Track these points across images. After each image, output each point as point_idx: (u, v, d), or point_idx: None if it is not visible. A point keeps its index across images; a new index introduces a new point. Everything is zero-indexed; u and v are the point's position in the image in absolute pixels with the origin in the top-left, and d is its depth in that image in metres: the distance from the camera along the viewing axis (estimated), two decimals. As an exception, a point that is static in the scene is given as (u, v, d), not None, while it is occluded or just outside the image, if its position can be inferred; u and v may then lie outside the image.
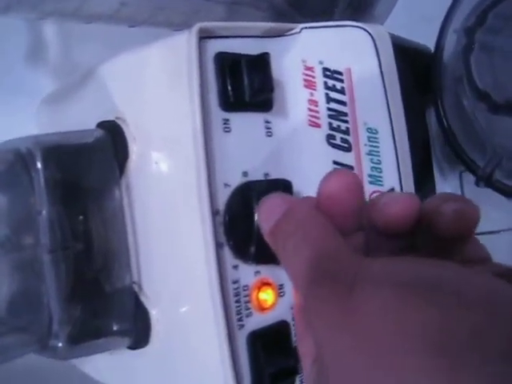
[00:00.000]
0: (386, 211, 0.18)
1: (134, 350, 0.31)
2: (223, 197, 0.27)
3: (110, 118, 0.30)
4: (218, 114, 0.27)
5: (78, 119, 0.33)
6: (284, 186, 0.29)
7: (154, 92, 0.29)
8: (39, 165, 0.27)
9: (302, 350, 0.21)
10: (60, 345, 0.28)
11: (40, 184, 0.27)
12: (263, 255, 0.27)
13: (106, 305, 0.29)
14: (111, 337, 0.30)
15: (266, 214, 0.20)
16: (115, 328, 0.30)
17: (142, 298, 0.30)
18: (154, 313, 0.30)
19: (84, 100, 0.33)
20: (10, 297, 0.29)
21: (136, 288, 0.30)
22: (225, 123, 0.28)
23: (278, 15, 0.39)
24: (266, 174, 0.29)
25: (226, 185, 0.27)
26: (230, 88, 0.28)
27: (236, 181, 0.28)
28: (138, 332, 0.30)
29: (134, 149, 0.30)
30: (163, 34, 0.29)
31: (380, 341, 0.15)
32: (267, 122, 0.29)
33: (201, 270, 0.27)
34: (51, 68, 0.45)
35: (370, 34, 0.30)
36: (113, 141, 0.29)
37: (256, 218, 0.27)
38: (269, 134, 0.29)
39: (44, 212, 0.27)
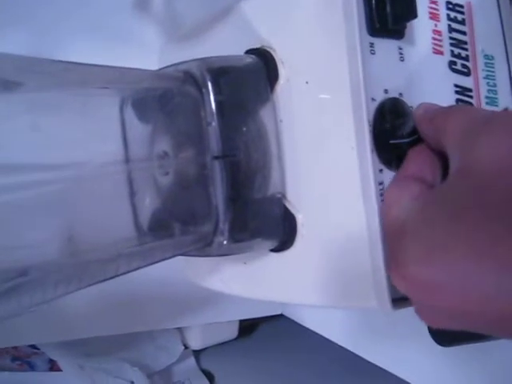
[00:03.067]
0: None
1: (277, 252, 0.34)
2: (371, 109, 0.30)
3: (257, 46, 0.34)
4: (365, 37, 0.31)
5: (220, 51, 0.35)
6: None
7: (303, 18, 0.32)
8: (210, 83, 0.30)
9: None
10: (225, 242, 0.31)
11: (210, 100, 0.30)
12: (400, 162, 0.31)
13: (259, 209, 0.32)
14: (263, 237, 0.33)
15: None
16: (267, 230, 0.33)
17: (288, 205, 0.33)
18: (299, 217, 0.33)
19: (225, 33, 0.36)
20: (184, 199, 0.32)
21: (281, 196, 0.33)
22: (371, 46, 0.31)
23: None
24: (400, 94, 0.32)
25: (373, 99, 0.31)
26: (375, 14, 0.31)
27: (380, 96, 0.31)
28: (285, 234, 0.33)
29: (282, 71, 0.33)
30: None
31: None
32: (400, 48, 0.32)
33: (351, 173, 0.30)
34: (155, 18, 0.48)
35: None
36: (264, 64, 0.33)
37: (402, 122, 0.31)
38: (401, 59, 0.32)
39: (213, 123, 0.30)
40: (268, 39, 0.33)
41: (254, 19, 0.34)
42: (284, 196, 0.33)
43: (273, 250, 0.34)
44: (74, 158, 0.31)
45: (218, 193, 0.31)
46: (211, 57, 0.31)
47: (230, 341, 0.60)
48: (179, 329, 0.57)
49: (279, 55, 0.33)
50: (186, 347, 0.58)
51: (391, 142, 0.31)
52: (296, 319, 0.57)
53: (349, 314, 0.52)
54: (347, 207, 0.31)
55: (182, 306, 0.53)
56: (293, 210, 0.33)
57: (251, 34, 0.34)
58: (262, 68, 0.32)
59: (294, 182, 0.33)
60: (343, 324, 0.54)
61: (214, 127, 0.30)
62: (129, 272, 0.30)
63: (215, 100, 0.30)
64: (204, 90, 0.31)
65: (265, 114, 0.32)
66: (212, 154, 0.31)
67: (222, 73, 0.31)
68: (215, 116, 0.30)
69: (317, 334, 0.57)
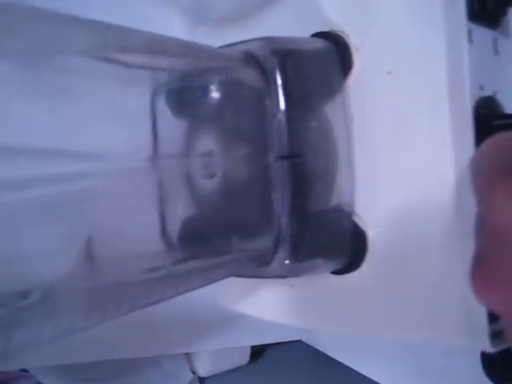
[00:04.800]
0: None
1: (339, 274, 0.28)
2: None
3: (325, 29, 0.28)
4: (464, 22, 0.25)
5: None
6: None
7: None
8: (278, 66, 0.24)
9: None
10: (287, 261, 0.25)
11: (277, 86, 0.24)
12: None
13: (326, 222, 0.26)
14: (329, 257, 0.27)
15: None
16: (334, 248, 0.27)
17: (356, 219, 0.27)
18: (370, 233, 0.27)
19: (282, 14, 0.30)
20: (234, 207, 0.26)
21: (351, 208, 0.27)
22: (469, 33, 0.25)
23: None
24: (495, 92, 0.27)
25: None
26: (476, -3, 0.25)
27: (476, 94, 0.25)
28: (353, 254, 0.27)
29: (356, 60, 0.27)
30: None
31: None
32: (495, 39, 0.27)
33: (445, 184, 0.24)
34: (180, 7, 0.42)
35: None
36: (337, 50, 0.27)
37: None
38: (496, 52, 0.27)
39: (280, 115, 0.24)
40: (339, 22, 0.27)
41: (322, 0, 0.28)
42: (352, 207, 0.27)
43: (334, 272, 0.28)
44: (93, 151, 0.25)
45: (282, 200, 0.25)
46: (279, 36, 0.25)
47: (240, 367, 0.53)
48: (187, 354, 0.51)
49: (353, 41, 0.27)
50: (194, 373, 0.51)
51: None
52: (316, 345, 0.50)
53: (376, 343, 0.46)
54: (436, 222, 0.25)
55: (193, 329, 0.47)
56: (363, 225, 0.27)
57: (317, 16, 0.28)
58: (335, 54, 0.26)
59: (365, 192, 0.27)
60: (369, 354, 0.48)
61: (280, 120, 0.24)
62: (163, 299, 0.23)
63: (283, 86, 0.24)
64: (270, 75, 0.25)
65: (334, 109, 0.27)
66: (277, 152, 0.24)
67: (291, 56, 0.25)
68: (283, 106, 0.24)
69: (337, 361, 0.51)
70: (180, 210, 0.28)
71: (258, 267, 0.26)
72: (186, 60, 0.27)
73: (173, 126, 0.28)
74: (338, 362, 0.49)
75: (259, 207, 0.25)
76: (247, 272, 0.26)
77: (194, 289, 0.24)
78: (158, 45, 0.26)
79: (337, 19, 0.28)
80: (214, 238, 0.27)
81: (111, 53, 0.25)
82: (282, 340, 0.50)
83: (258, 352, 0.57)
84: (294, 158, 0.25)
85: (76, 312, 0.20)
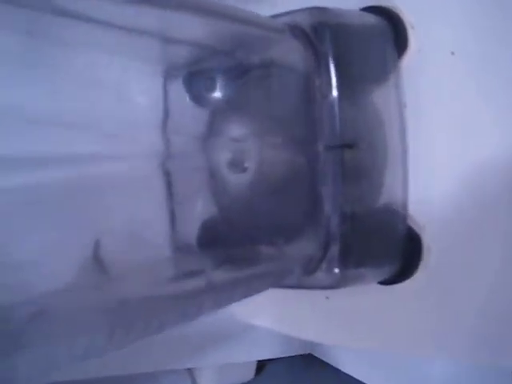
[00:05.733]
0: None
1: (387, 284, 0.24)
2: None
3: (374, 3, 0.24)
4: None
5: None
6: None
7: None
8: (329, 40, 0.21)
9: None
10: (336, 270, 0.21)
11: (328, 63, 0.21)
12: None
13: (379, 224, 0.22)
14: (379, 263, 0.23)
15: None
16: (385, 254, 0.23)
17: (410, 221, 0.23)
18: (426, 238, 0.23)
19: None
20: (272, 206, 0.22)
21: (402, 208, 0.23)
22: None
23: None
24: None
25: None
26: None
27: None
28: (405, 261, 0.23)
29: (412, 39, 0.23)
30: None
31: None
32: None
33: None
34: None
35: None
36: (390, 27, 0.23)
37: None
38: None
39: (331, 96, 0.20)
40: (390, -4, 0.24)
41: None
42: (406, 208, 0.23)
43: (381, 282, 0.24)
44: (99, 144, 0.21)
45: (332, 197, 0.21)
46: (329, 7, 0.21)
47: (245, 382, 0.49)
48: (189, 369, 0.46)
49: (408, 18, 0.23)
50: (195, 390, 0.46)
51: None
52: (326, 359, 0.46)
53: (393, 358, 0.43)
54: (501, 226, 0.21)
55: (195, 342, 0.42)
56: (417, 229, 0.23)
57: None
58: (390, 32, 0.23)
59: (419, 190, 0.23)
60: (379, 366, 0.44)
61: (332, 102, 0.20)
62: (201, 314, 0.19)
63: (335, 63, 0.21)
64: (320, 50, 0.21)
65: (387, 93, 0.23)
66: (327, 141, 0.21)
67: (344, 29, 0.21)
68: (335, 86, 0.20)
69: (345, 373, 0.47)
70: (202, 210, 0.24)
71: (301, 277, 0.21)
72: (212, 28, 0.22)
73: (192, 110, 0.24)
74: (346, 374, 0.46)
75: (304, 205, 0.21)
76: (288, 282, 0.22)
77: (234, 301, 0.20)
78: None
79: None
80: (245, 242, 0.23)
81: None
82: (292, 354, 0.46)
83: (259, 366, 0.53)
84: (347, 147, 0.21)
85: (95, 330, 0.16)
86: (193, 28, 0.23)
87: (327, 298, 0.26)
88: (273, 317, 0.29)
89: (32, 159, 0.17)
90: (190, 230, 0.24)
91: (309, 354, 0.47)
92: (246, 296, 0.20)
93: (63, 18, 0.20)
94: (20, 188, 0.19)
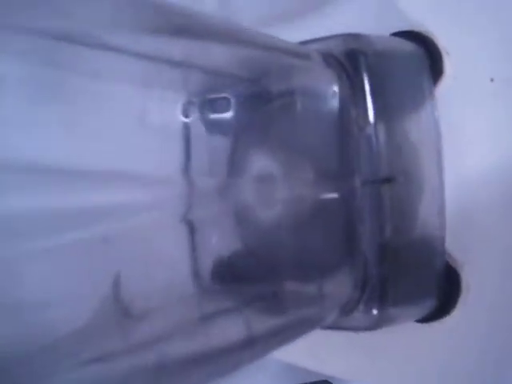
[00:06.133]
0: None
1: (423, 322, 0.23)
2: None
3: (405, 28, 0.23)
4: None
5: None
6: None
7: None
8: (365, 69, 0.19)
9: None
10: (375, 311, 0.20)
11: (365, 93, 0.19)
12: None
13: (417, 260, 0.21)
14: (418, 301, 0.21)
15: None
16: (423, 291, 0.21)
17: (447, 256, 0.22)
18: (465, 274, 0.22)
19: (351, 11, 0.25)
20: (303, 244, 0.20)
21: (440, 243, 0.22)
22: None
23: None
24: None
25: None
26: None
27: None
28: (442, 298, 0.22)
29: (447, 65, 0.22)
30: None
31: None
32: None
33: None
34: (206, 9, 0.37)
35: None
36: (425, 54, 0.22)
37: None
38: None
39: (368, 129, 0.19)
40: (423, 21, 0.23)
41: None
42: (443, 243, 0.22)
43: (417, 320, 0.23)
44: (119, 193, 0.19)
45: (370, 235, 0.19)
46: (363, 34, 0.20)
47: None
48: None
49: (442, 43, 0.22)
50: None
51: None
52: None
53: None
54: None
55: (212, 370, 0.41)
56: (455, 264, 0.22)
57: (393, 12, 0.23)
58: (425, 58, 0.22)
59: (456, 224, 0.22)
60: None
61: (369, 135, 0.19)
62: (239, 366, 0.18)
63: (372, 93, 0.19)
64: (356, 78, 0.19)
65: (423, 122, 0.22)
66: (364, 175, 0.19)
67: (380, 57, 0.20)
68: (372, 117, 0.19)
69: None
70: (227, 248, 0.23)
71: (337, 318, 0.20)
72: (237, 55, 0.21)
73: (213, 145, 0.23)
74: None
75: (338, 243, 0.20)
76: (324, 323, 0.21)
77: (272, 350, 0.19)
78: (197, 27, 0.20)
79: (418, 16, 0.23)
80: (274, 281, 0.21)
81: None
82: (308, 381, 0.44)
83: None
84: (385, 182, 0.19)
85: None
86: (216, 55, 0.21)
87: (357, 333, 0.25)
88: (293, 350, 0.28)
89: (49, 212, 0.16)
90: (214, 268, 0.22)
91: (325, 380, 0.46)
92: (282, 344, 0.19)
93: (82, 47, 0.19)
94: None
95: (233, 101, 0.22)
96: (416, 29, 0.22)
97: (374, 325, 0.20)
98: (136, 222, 0.18)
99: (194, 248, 0.21)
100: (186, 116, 0.22)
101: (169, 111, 0.22)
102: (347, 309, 0.20)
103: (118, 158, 0.18)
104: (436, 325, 0.22)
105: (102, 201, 0.17)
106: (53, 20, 0.16)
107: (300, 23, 0.25)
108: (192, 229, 0.21)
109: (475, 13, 0.22)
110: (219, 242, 0.22)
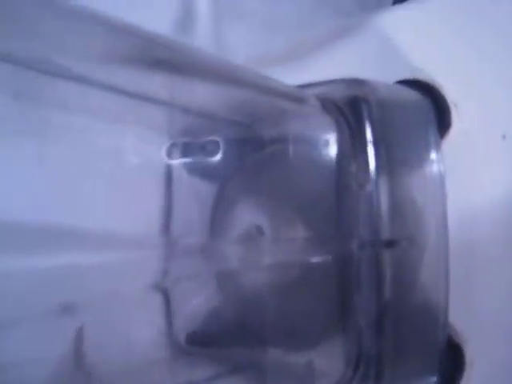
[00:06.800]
0: None
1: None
2: None
3: (406, 77, 0.21)
4: None
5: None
6: None
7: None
8: (368, 118, 0.17)
9: None
10: (369, 392, 0.17)
11: (366, 146, 0.17)
12: None
13: (417, 334, 0.19)
14: (418, 380, 0.19)
15: None
16: (423, 368, 0.19)
17: (451, 331, 0.20)
18: (468, 350, 0.20)
19: (350, 56, 0.23)
20: (291, 311, 0.18)
21: (443, 315, 0.20)
22: None
23: None
24: None
25: None
26: None
27: None
28: (445, 376, 0.19)
29: (455, 118, 0.20)
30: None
31: None
32: None
33: None
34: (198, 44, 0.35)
35: None
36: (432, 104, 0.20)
37: None
38: None
39: (369, 186, 0.17)
40: (428, 70, 0.21)
41: (402, 39, 0.22)
42: (446, 315, 0.20)
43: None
44: (85, 251, 0.17)
45: (368, 306, 0.17)
46: (368, 80, 0.18)
47: None
48: None
49: (450, 94, 0.20)
50: None
51: None
52: None
53: None
54: None
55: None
56: (459, 340, 0.20)
57: (395, 59, 0.21)
58: (432, 109, 0.20)
59: (460, 294, 0.20)
60: None
61: (370, 193, 0.17)
62: None
63: (375, 146, 0.17)
64: (357, 129, 0.17)
65: (428, 180, 0.19)
66: (363, 238, 0.17)
67: (384, 106, 0.18)
68: (374, 173, 0.17)
69: None
70: (205, 309, 0.20)
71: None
72: (229, 93, 0.19)
73: (196, 197, 0.21)
74: None
75: (331, 313, 0.18)
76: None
77: None
78: (182, 60, 0.18)
79: (423, 65, 0.21)
80: (256, 349, 0.19)
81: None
82: None
83: None
84: (386, 246, 0.17)
85: None
86: (203, 93, 0.19)
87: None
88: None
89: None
90: (191, 330, 0.20)
91: None
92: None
93: (58, 79, 0.17)
94: None
95: (219, 147, 0.20)
96: (421, 78, 0.21)
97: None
98: (104, 287, 0.15)
99: (168, 312, 0.19)
100: (168, 162, 0.20)
101: (148, 155, 0.19)
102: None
103: (85, 212, 0.15)
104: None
105: (64, 262, 0.14)
106: (17, 42, 0.14)
107: (299, 65, 0.23)
108: (167, 291, 0.18)
109: (485, 64, 0.20)
110: (197, 304, 0.19)
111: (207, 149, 0.20)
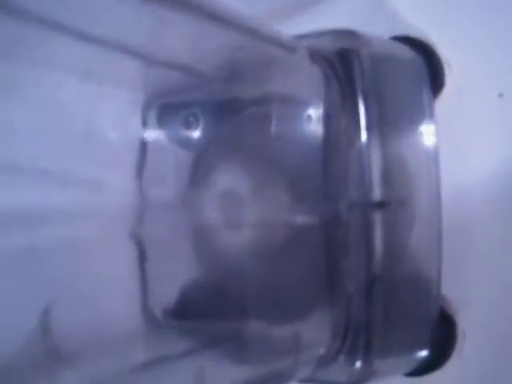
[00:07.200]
0: None
1: (416, 375, 0.19)
2: None
3: (399, 33, 0.20)
4: None
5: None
6: None
7: None
8: (359, 73, 0.16)
9: None
10: (358, 364, 0.16)
11: (357, 101, 0.16)
12: None
13: (407, 304, 0.18)
14: (407, 352, 0.18)
15: None
16: (413, 340, 0.18)
17: (443, 303, 0.19)
18: (461, 322, 0.18)
19: (344, 11, 0.22)
20: (272, 277, 0.17)
21: (435, 287, 0.19)
22: None
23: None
24: None
25: None
26: None
27: None
28: (437, 348, 0.18)
29: (449, 78, 0.19)
30: None
31: None
32: None
33: None
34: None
35: None
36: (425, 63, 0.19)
37: None
38: None
39: (359, 143, 0.16)
40: (422, 27, 0.20)
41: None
42: (439, 287, 0.19)
43: (407, 374, 0.19)
44: (57, 195, 0.15)
45: (357, 271, 0.16)
46: (359, 32, 0.17)
47: None
48: None
49: (443, 53, 0.19)
50: None
51: None
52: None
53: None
54: None
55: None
56: (451, 311, 0.18)
57: (389, 15, 0.20)
58: (425, 67, 0.18)
59: (452, 264, 0.19)
60: None
61: (360, 149, 0.16)
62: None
63: (365, 102, 0.16)
64: (347, 83, 0.16)
65: (421, 140, 0.18)
66: (353, 198, 0.16)
67: (375, 60, 0.17)
68: (364, 130, 0.16)
69: None
70: (182, 276, 0.19)
71: (313, 369, 0.16)
72: (210, 33, 0.18)
73: (173, 152, 0.19)
74: None
75: (317, 279, 0.16)
76: (298, 375, 0.17)
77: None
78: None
79: (416, 21, 0.20)
80: (237, 319, 0.18)
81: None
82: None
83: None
84: (376, 207, 0.16)
85: None
86: (182, 40, 0.18)
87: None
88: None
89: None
90: (167, 300, 0.18)
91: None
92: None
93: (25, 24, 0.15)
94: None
95: (199, 105, 0.19)
96: (414, 35, 0.19)
97: (357, 379, 0.16)
98: (73, 230, 0.14)
99: (143, 275, 0.17)
100: (144, 120, 0.19)
101: (123, 111, 0.18)
102: (325, 359, 0.16)
103: (57, 155, 0.14)
104: (428, 379, 0.19)
105: (29, 201, 0.13)
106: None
107: (294, 20, 0.22)
108: (142, 251, 0.17)
109: (480, 21, 0.19)
110: (173, 268, 0.18)
111: (185, 107, 0.19)
